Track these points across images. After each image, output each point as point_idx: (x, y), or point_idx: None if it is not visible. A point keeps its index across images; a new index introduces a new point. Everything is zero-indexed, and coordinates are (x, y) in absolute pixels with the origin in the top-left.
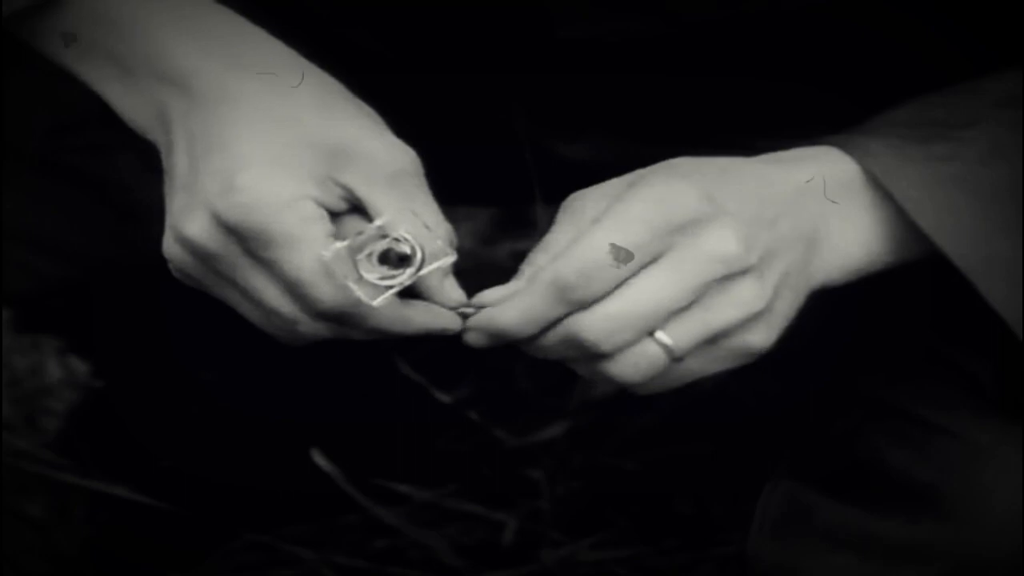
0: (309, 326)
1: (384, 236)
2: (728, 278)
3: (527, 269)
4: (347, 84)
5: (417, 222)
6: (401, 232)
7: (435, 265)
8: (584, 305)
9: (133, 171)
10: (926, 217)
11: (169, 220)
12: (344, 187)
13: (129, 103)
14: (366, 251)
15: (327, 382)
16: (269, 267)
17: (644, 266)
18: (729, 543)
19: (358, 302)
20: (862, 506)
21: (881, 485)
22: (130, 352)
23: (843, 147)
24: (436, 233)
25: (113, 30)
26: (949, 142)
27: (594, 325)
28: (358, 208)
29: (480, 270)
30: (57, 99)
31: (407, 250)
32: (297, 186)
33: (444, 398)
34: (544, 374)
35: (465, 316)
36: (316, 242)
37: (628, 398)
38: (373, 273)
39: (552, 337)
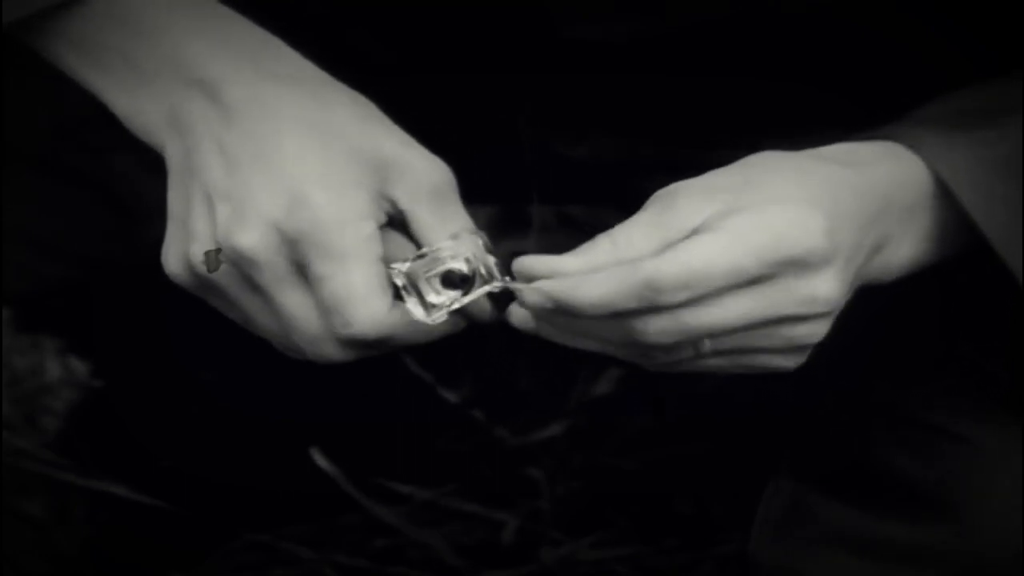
0: (331, 347)
1: (446, 257)
2: (806, 311)
3: (603, 247)
4: (348, 85)
5: (478, 243)
6: (467, 254)
7: (488, 288)
8: (659, 309)
9: (133, 172)
10: (978, 207)
11: (206, 231)
12: (391, 201)
13: (136, 107)
14: (431, 272)
15: (327, 382)
16: (317, 282)
17: (736, 287)
18: (729, 543)
19: (407, 323)
20: (864, 508)
21: (884, 487)
22: (130, 352)
23: (906, 143)
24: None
25: (132, 34)
26: (994, 128)
27: (659, 325)
28: (393, 221)
29: None
30: (57, 100)
31: (468, 272)
32: (362, 204)
33: (450, 397)
34: (544, 373)
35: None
36: (371, 263)
37: (628, 398)
38: (432, 294)
39: (610, 328)
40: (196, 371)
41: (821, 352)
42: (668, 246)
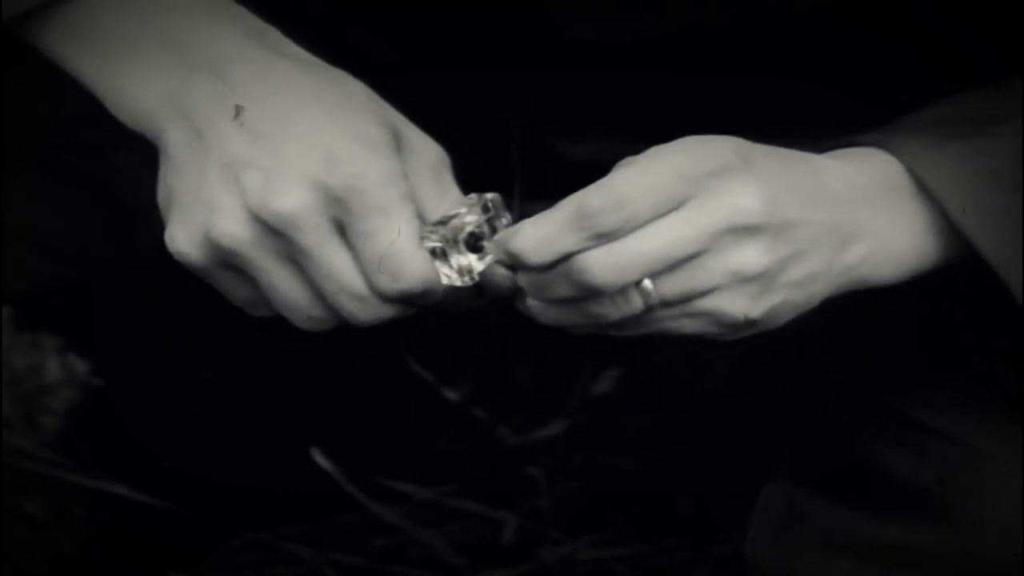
0: (374, 305)
1: (469, 221)
2: (737, 236)
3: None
4: None
5: (497, 202)
6: (487, 216)
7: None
8: (598, 240)
9: (133, 170)
10: (961, 213)
11: (233, 202)
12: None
13: (133, 92)
14: (459, 236)
15: (327, 381)
16: (363, 239)
17: (665, 212)
18: (728, 542)
19: (446, 286)
20: (861, 510)
21: (880, 489)
22: (130, 351)
23: (885, 147)
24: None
25: (129, 17)
26: (985, 137)
27: (600, 260)
28: None
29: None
30: (57, 97)
31: (490, 232)
32: (396, 164)
33: (452, 396)
34: (544, 373)
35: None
36: (412, 219)
37: (628, 398)
38: (461, 258)
39: (557, 272)
40: (196, 370)
41: (820, 352)
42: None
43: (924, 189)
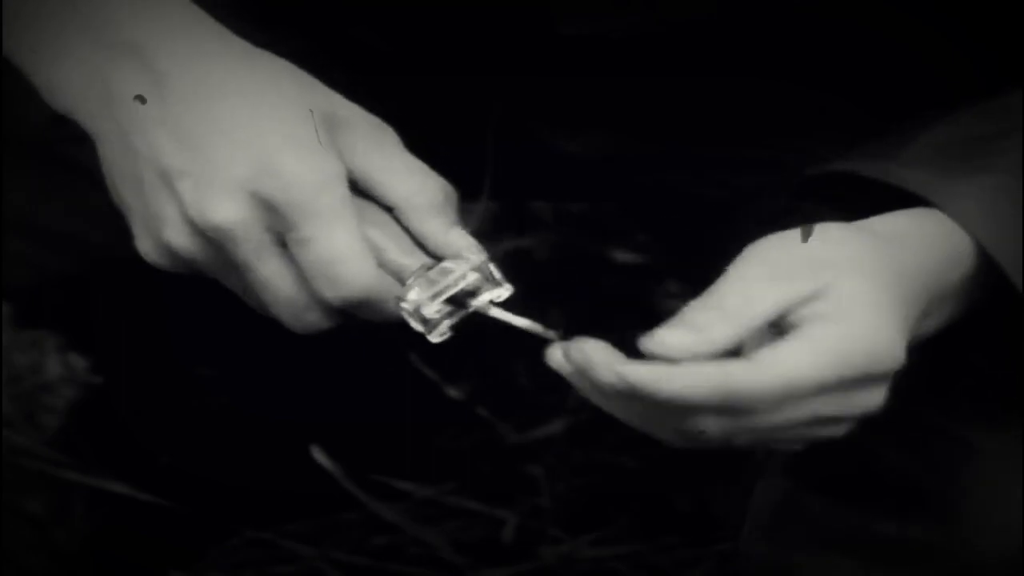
0: (315, 314)
1: (455, 280)
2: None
3: (678, 335)
4: (345, 83)
5: (483, 259)
6: (476, 274)
7: (491, 297)
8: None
9: None
10: (979, 230)
11: (174, 212)
12: (341, 153)
13: (61, 76)
14: (440, 295)
15: (327, 379)
16: (300, 246)
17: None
18: (728, 540)
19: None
20: (856, 506)
21: (876, 486)
22: (129, 348)
23: (944, 208)
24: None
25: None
26: (987, 156)
27: (723, 430)
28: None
29: None
30: None
31: (475, 289)
32: (331, 163)
33: (455, 394)
34: (544, 371)
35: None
36: (351, 222)
37: None
38: (434, 311)
39: (665, 414)
40: (196, 368)
41: None
42: (748, 340)
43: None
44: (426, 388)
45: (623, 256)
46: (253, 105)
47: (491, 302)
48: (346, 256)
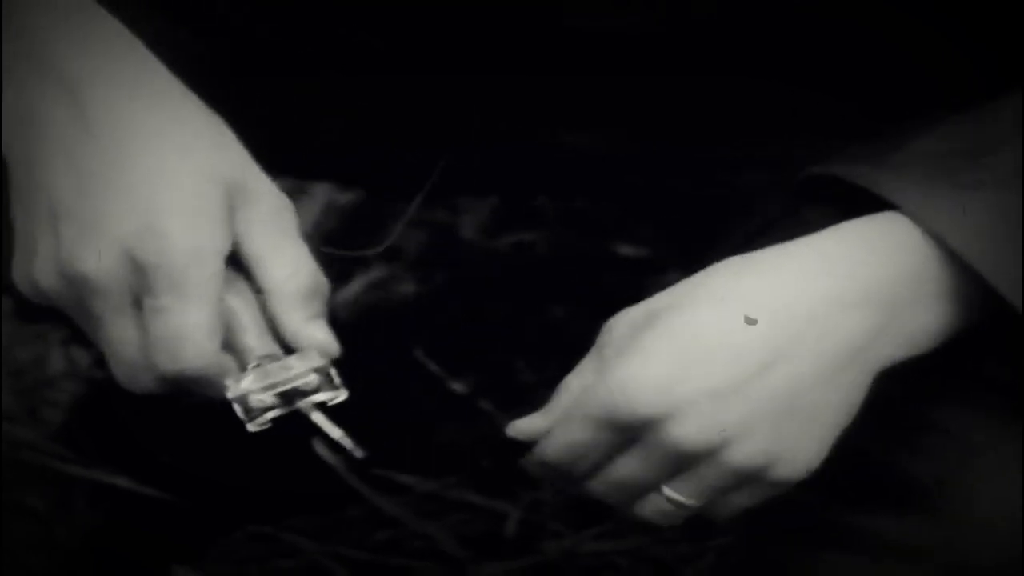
0: (147, 378)
1: (293, 376)
2: (706, 455)
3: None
4: (347, 82)
5: (325, 361)
6: (317, 375)
7: (324, 398)
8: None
9: None
10: (966, 246)
11: (48, 251)
12: (236, 225)
13: None
14: (273, 389)
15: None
16: (153, 314)
17: (621, 448)
18: (727, 535)
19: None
20: (854, 503)
21: (878, 482)
22: None
23: (904, 209)
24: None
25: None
26: (975, 171)
27: (593, 488)
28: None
29: (482, 261)
30: None
31: (313, 389)
32: (215, 237)
33: (458, 388)
34: (545, 366)
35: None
36: (211, 301)
37: None
38: (258, 400)
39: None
40: None
41: None
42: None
43: (942, 247)
44: (429, 382)
45: (625, 249)
46: (160, 163)
47: (316, 404)
48: (191, 335)
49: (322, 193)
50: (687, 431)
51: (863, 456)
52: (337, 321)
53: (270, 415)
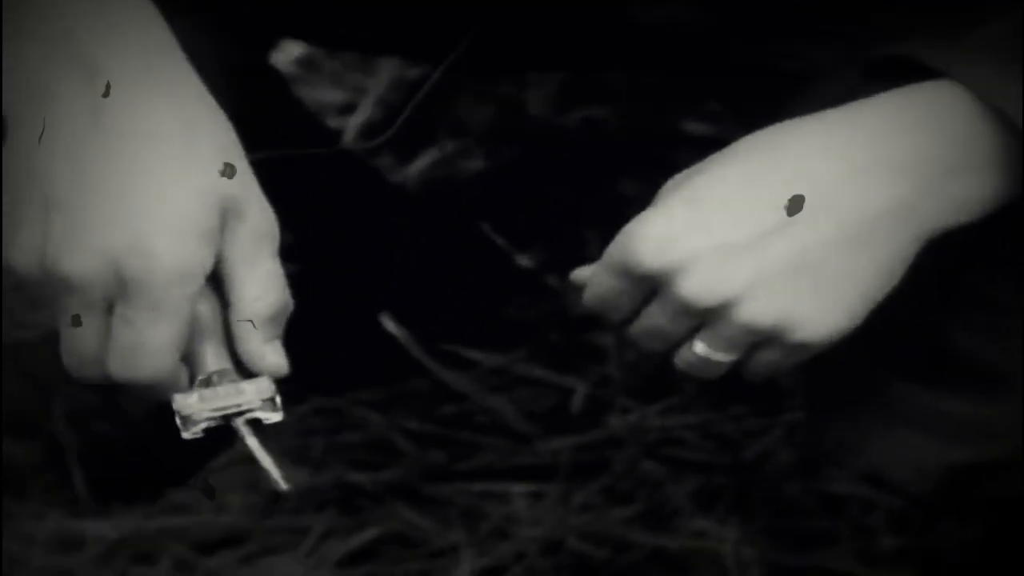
0: (93, 373)
1: (246, 402)
2: (718, 311)
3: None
4: None
5: (273, 389)
6: (256, 401)
7: (261, 416)
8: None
9: None
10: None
11: (33, 237)
12: (223, 238)
13: (14, 55)
14: (221, 411)
15: (400, 246)
16: (121, 322)
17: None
18: (797, 411)
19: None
20: (928, 384)
21: (947, 364)
22: None
23: (964, 82)
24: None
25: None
26: None
27: (631, 335)
28: None
29: (551, 136)
30: None
31: (249, 408)
32: (200, 258)
33: (525, 263)
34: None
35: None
36: (182, 322)
37: None
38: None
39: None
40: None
41: None
42: None
43: (999, 117)
44: (496, 257)
45: (693, 127)
46: (162, 172)
47: (248, 422)
48: (156, 350)
49: (388, 68)
50: (692, 286)
51: (937, 340)
52: (406, 194)
53: (204, 426)
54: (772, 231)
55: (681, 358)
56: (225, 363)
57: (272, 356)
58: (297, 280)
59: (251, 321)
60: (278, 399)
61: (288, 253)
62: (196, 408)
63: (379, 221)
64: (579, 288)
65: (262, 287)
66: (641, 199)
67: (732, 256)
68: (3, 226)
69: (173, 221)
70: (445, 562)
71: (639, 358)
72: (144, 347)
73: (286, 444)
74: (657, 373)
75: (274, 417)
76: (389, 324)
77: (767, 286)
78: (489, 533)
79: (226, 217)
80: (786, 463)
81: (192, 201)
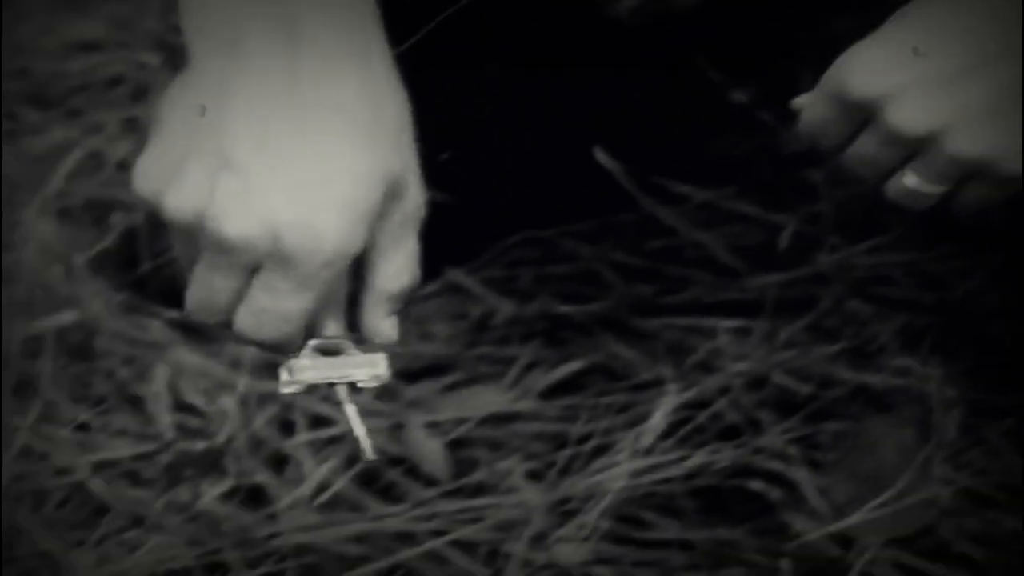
0: (213, 320)
1: (361, 375)
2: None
3: None
4: None
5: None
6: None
7: (362, 378)
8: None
9: None
10: None
11: (196, 186)
12: (380, 214)
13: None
14: (322, 376)
15: (615, 78)
16: (264, 287)
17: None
18: (1004, 252)
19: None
20: None
21: None
22: None
23: None
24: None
25: None
26: None
27: (845, 161)
28: None
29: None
30: None
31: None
32: (359, 239)
33: (739, 97)
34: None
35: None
36: (324, 294)
37: None
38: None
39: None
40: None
41: None
42: None
43: None
44: (709, 91)
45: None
46: (340, 153)
47: (352, 385)
48: (286, 318)
49: None
50: (902, 115)
51: None
52: (621, 28)
53: (306, 386)
54: (981, 63)
55: (892, 188)
56: (340, 329)
57: (389, 330)
58: (513, 110)
59: (381, 296)
60: (386, 367)
61: (505, 87)
62: (306, 373)
63: (595, 54)
64: (795, 116)
65: (401, 266)
66: (854, 36)
67: (941, 88)
68: (152, 148)
69: (344, 201)
70: (650, 395)
71: (849, 195)
72: (278, 314)
73: (493, 275)
74: (866, 211)
75: (379, 380)
76: (601, 157)
77: (976, 117)
78: (694, 367)
79: (388, 197)
80: (992, 303)
81: (365, 183)
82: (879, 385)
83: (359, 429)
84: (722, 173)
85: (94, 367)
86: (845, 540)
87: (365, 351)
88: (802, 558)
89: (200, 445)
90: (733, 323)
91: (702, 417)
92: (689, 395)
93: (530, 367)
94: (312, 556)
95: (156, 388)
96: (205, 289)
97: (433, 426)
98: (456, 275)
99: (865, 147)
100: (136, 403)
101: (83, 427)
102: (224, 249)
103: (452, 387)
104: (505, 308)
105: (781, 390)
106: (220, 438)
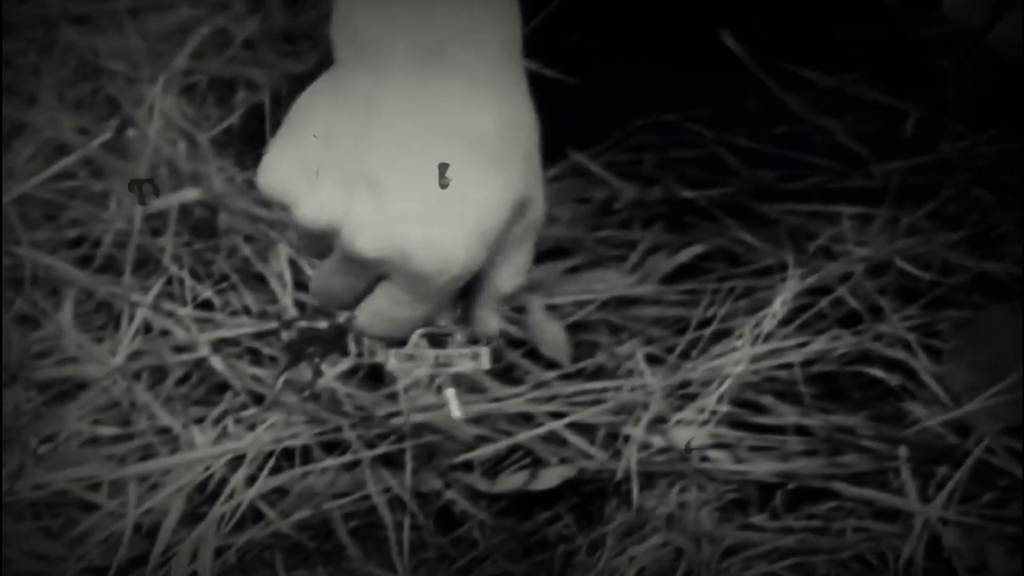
0: (331, 305)
1: (465, 367)
2: None
3: None
4: None
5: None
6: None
7: (466, 369)
8: None
9: None
10: None
11: (331, 197)
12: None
13: (360, 19)
14: (436, 368)
15: None
16: (384, 294)
17: None
18: None
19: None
20: None
21: None
22: None
23: None
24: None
25: None
26: None
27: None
28: None
29: None
30: None
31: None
32: (482, 260)
33: None
34: None
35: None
36: (431, 307)
37: None
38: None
39: None
40: None
41: None
42: None
43: None
44: None
45: None
46: (475, 180)
47: (455, 376)
48: (404, 324)
49: None
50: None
51: None
52: None
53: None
54: None
55: None
56: (449, 320)
57: (495, 326)
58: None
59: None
60: (488, 359)
61: None
62: (412, 362)
63: None
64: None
65: (516, 270)
66: None
67: None
68: (278, 148)
69: (474, 227)
70: (771, 280)
71: (976, 81)
72: (395, 319)
73: (617, 159)
74: (991, 96)
75: (478, 367)
76: (729, 41)
77: None
78: (816, 253)
79: (515, 215)
80: None
81: (494, 209)
82: (1000, 273)
83: (456, 412)
84: (848, 59)
85: (216, 245)
86: (963, 428)
87: (468, 342)
88: (919, 445)
89: (322, 324)
90: (855, 209)
91: (823, 303)
92: (810, 281)
93: (652, 251)
94: (431, 436)
95: (278, 266)
96: (330, 283)
97: (554, 309)
98: (580, 158)
99: (1011, 27)
100: (258, 281)
101: (205, 304)
102: (352, 261)
103: (574, 270)
104: (628, 192)
105: (902, 277)
106: (341, 317)
